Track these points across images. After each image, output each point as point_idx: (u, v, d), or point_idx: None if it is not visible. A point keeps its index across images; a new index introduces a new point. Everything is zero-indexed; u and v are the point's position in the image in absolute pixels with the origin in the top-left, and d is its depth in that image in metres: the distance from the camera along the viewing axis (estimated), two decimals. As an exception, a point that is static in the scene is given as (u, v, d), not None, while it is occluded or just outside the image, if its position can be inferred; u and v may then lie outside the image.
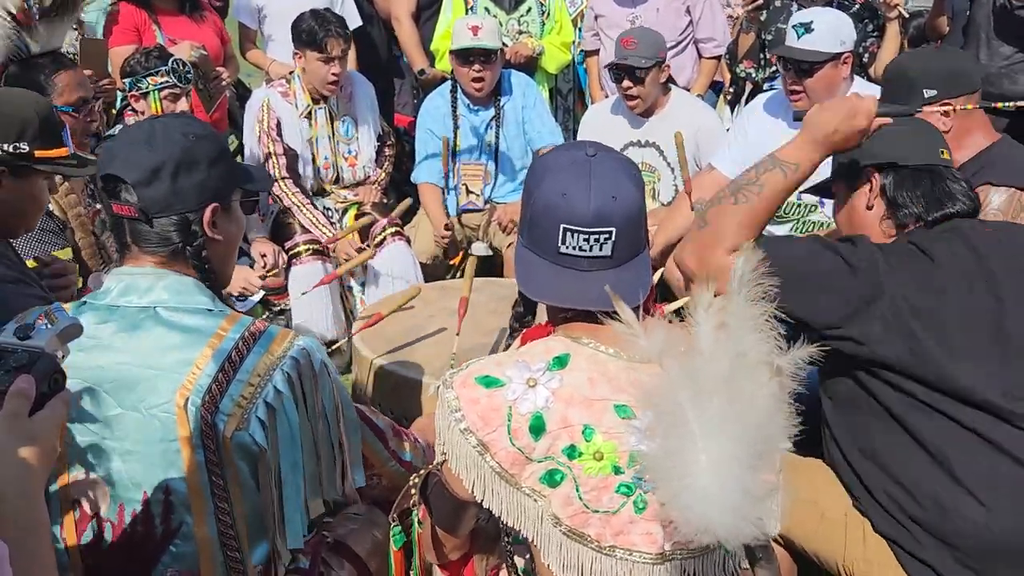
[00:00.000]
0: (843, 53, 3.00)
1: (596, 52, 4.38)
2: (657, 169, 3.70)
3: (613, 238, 1.34)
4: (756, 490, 1.16)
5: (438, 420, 1.37)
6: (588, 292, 1.35)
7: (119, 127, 3.26)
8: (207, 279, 1.51)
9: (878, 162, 1.94)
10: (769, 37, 3.85)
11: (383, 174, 3.88)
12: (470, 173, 3.89)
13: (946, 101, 2.35)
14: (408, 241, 3.67)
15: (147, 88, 3.16)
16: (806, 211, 3.17)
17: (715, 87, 4.53)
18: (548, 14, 4.26)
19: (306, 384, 1.46)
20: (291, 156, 3.61)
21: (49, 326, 1.08)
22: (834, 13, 3.17)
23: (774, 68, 3.83)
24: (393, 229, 3.63)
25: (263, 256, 3.43)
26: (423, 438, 1.84)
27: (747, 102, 3.84)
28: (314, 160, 3.67)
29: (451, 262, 3.99)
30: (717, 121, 3.78)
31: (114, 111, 3.73)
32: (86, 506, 1.45)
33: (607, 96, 4.21)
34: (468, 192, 3.91)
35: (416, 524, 1.55)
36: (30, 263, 2.07)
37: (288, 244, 3.57)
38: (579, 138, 3.93)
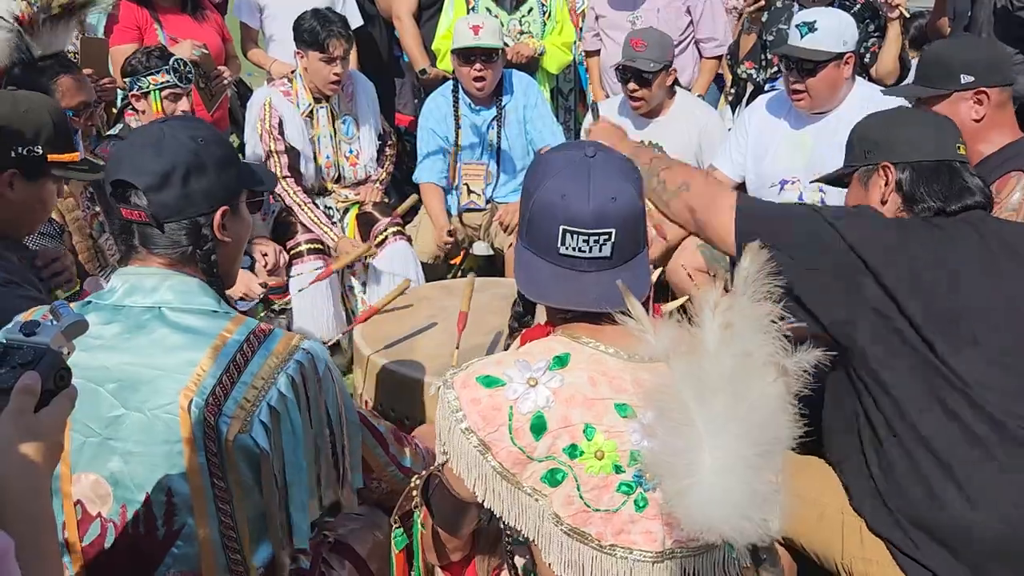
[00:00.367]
0: (845, 53, 3.01)
1: (597, 53, 4.38)
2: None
3: (613, 239, 1.34)
4: (762, 490, 1.16)
5: (439, 420, 1.37)
6: (587, 293, 1.35)
7: (120, 126, 3.26)
8: (213, 280, 1.51)
9: (894, 159, 1.94)
10: (770, 38, 3.85)
11: (384, 173, 3.88)
12: (471, 173, 3.90)
13: (980, 90, 2.36)
14: (409, 240, 3.67)
15: (148, 87, 3.16)
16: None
17: (717, 81, 4.53)
18: (549, 14, 4.26)
19: (310, 388, 1.46)
20: (293, 155, 3.61)
21: (54, 323, 1.08)
22: (837, 13, 3.17)
23: (775, 69, 3.83)
24: (395, 228, 3.64)
25: (264, 255, 3.43)
26: (424, 444, 1.84)
27: (748, 103, 3.84)
28: (315, 159, 3.67)
29: (452, 262, 3.99)
30: (720, 123, 3.79)
31: (115, 110, 3.74)
32: (88, 506, 1.46)
33: (608, 96, 4.21)
34: (469, 192, 3.91)
35: (419, 526, 1.55)
36: None
37: (289, 244, 3.57)
38: (582, 135, 3.93)
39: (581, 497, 1.31)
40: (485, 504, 1.35)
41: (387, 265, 3.55)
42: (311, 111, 3.62)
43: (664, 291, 3.30)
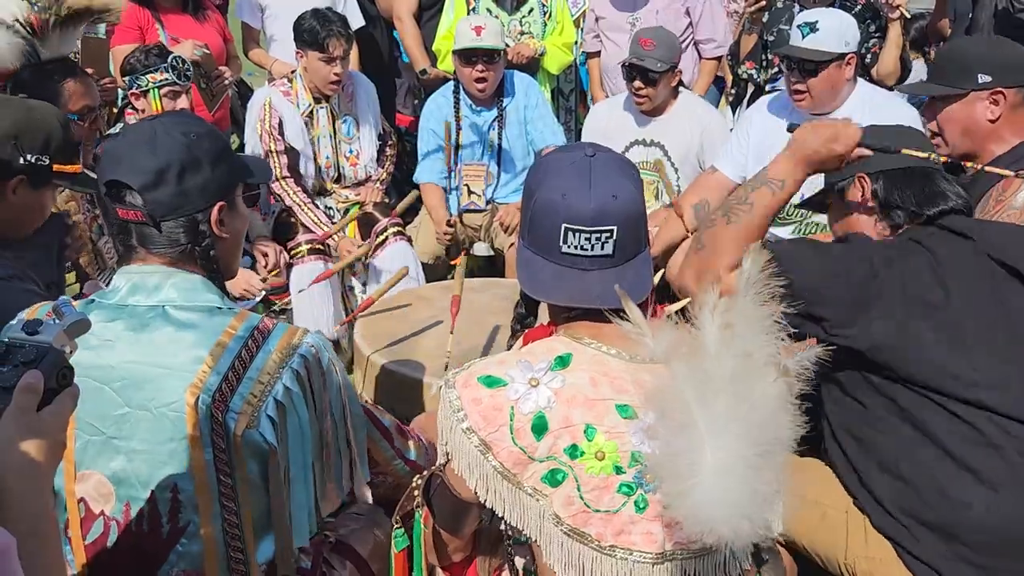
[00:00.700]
0: (847, 54, 3.01)
1: (597, 54, 4.39)
2: (661, 169, 3.70)
3: (614, 237, 1.35)
4: (763, 490, 1.16)
5: (441, 420, 1.37)
6: (590, 291, 1.36)
7: (120, 125, 3.26)
8: (215, 277, 1.51)
9: (867, 170, 1.97)
10: (771, 38, 3.86)
11: (384, 173, 3.88)
12: (472, 173, 3.90)
13: (997, 90, 2.35)
14: (410, 240, 3.68)
15: (147, 86, 3.16)
16: (808, 212, 3.18)
17: (717, 82, 4.54)
18: (550, 15, 4.26)
19: (315, 381, 1.46)
20: (293, 155, 3.61)
21: (57, 321, 1.08)
22: (839, 14, 3.18)
23: (776, 69, 3.83)
24: (395, 228, 3.64)
25: (265, 256, 3.43)
26: (424, 436, 1.84)
27: (749, 103, 3.85)
28: (315, 159, 3.67)
29: (452, 262, 3.99)
30: (722, 124, 3.79)
31: (115, 110, 3.74)
32: (92, 505, 1.46)
33: (608, 97, 4.21)
34: (470, 192, 3.91)
35: (421, 526, 1.55)
36: None
37: (290, 244, 3.57)
38: (584, 134, 3.95)
39: (581, 498, 1.31)
40: (486, 504, 1.35)
41: (387, 265, 3.54)
42: (311, 111, 3.62)
43: (664, 292, 3.30)
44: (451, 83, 3.86)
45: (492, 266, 4.02)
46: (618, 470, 1.31)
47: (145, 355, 1.41)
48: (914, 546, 1.78)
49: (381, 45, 4.74)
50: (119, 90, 3.66)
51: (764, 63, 3.95)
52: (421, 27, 4.45)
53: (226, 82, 3.96)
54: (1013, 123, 2.38)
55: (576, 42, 4.43)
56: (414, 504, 1.55)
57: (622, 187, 1.36)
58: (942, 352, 1.77)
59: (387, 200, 3.86)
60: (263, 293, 3.23)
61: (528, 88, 3.89)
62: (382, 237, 3.60)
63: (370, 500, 1.64)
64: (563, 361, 1.34)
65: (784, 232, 3.22)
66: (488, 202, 3.92)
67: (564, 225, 1.35)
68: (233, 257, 1.60)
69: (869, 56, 3.69)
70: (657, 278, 2.42)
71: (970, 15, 3.92)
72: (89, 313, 1.41)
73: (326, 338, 1.52)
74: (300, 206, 3.57)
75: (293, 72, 3.67)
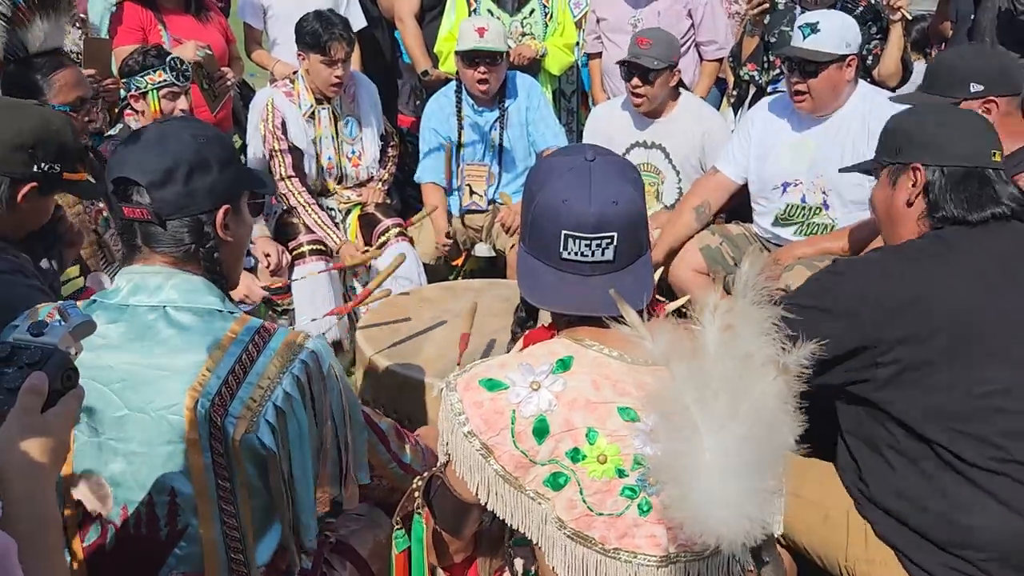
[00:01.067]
0: (848, 55, 3.01)
1: (599, 55, 4.39)
2: (661, 171, 3.70)
3: (615, 242, 1.34)
4: (763, 491, 1.16)
5: (442, 423, 1.37)
6: (592, 298, 1.35)
7: (119, 126, 3.24)
8: (217, 279, 1.51)
9: (925, 162, 1.88)
10: (772, 40, 3.86)
11: (387, 174, 3.89)
12: (474, 174, 3.90)
13: (989, 99, 2.37)
14: (411, 241, 3.68)
15: (145, 87, 3.13)
16: (811, 214, 3.18)
17: (719, 84, 4.54)
18: (551, 16, 4.26)
19: (315, 387, 1.46)
20: (296, 155, 3.60)
21: (62, 323, 1.08)
22: (840, 15, 3.18)
23: (778, 71, 3.83)
24: (397, 230, 3.64)
25: (267, 256, 3.43)
26: (424, 443, 1.84)
27: (751, 105, 3.85)
28: (318, 160, 3.67)
29: (454, 263, 4.00)
30: (724, 126, 3.79)
31: (116, 110, 3.73)
32: (89, 507, 1.46)
33: (609, 99, 4.21)
34: (472, 193, 3.92)
35: (422, 527, 1.55)
36: None
37: (292, 244, 3.57)
38: (585, 136, 3.94)
39: (584, 501, 1.31)
40: (488, 507, 1.35)
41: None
42: (313, 112, 3.62)
43: (665, 293, 3.31)
44: (453, 83, 3.87)
45: (493, 267, 4.03)
46: (620, 473, 1.30)
47: (145, 357, 1.41)
48: (915, 553, 1.78)
49: (383, 46, 4.74)
50: (121, 91, 3.66)
51: (766, 65, 3.95)
52: (423, 28, 4.45)
53: (228, 83, 3.96)
54: (1006, 130, 2.39)
55: (578, 43, 4.43)
56: (414, 505, 1.55)
57: (622, 192, 1.35)
58: (960, 362, 1.74)
59: (389, 201, 3.87)
60: (264, 297, 3.22)
61: (530, 89, 3.89)
62: (384, 238, 3.60)
63: (356, 503, 1.64)
64: (564, 364, 1.34)
65: (786, 232, 3.22)
66: (490, 202, 3.92)
67: (565, 232, 1.34)
68: (236, 264, 1.60)
69: (870, 58, 3.69)
70: (657, 275, 2.42)
71: (972, 17, 3.92)
72: (91, 314, 1.41)
73: (327, 343, 1.53)
74: (305, 207, 3.57)
75: (295, 73, 3.67)
